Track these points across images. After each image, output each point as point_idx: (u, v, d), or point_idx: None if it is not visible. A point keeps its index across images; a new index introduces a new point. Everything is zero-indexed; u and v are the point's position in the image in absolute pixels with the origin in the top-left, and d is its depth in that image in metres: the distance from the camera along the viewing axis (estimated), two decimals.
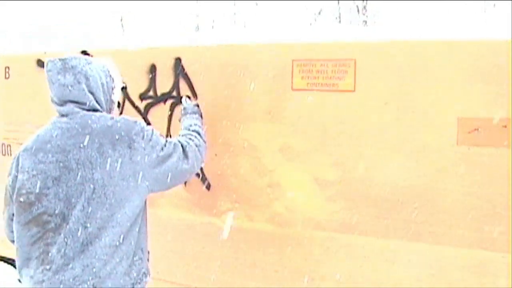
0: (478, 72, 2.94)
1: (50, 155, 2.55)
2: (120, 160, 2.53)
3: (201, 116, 3.39)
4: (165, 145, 2.74)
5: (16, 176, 2.62)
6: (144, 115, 3.91)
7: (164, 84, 3.83)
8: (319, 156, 3.36)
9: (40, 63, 4.47)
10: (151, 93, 3.88)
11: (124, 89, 3.58)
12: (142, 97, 3.92)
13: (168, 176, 2.73)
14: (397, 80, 3.12)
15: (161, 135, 2.77)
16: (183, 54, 3.73)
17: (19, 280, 4.94)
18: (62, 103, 2.65)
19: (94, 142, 2.53)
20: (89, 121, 2.58)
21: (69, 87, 2.61)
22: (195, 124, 3.20)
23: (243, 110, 3.55)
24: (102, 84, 2.73)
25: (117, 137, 2.56)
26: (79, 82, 2.62)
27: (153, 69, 3.84)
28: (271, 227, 3.55)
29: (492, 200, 2.97)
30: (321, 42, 3.35)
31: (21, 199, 2.57)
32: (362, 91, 3.22)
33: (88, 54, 4.15)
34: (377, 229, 3.24)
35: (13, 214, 2.67)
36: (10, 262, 5.10)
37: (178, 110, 3.76)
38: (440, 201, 3.09)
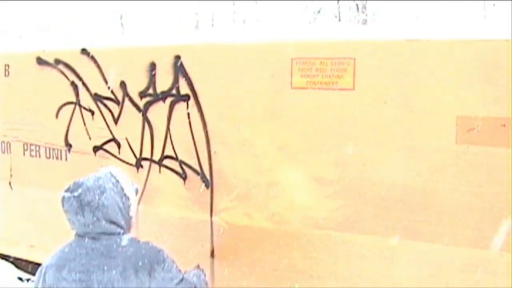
0: (477, 71, 2.94)
1: (73, 274, 2.58)
2: (140, 286, 2.59)
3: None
4: (181, 281, 2.80)
5: None
6: (143, 112, 3.92)
7: (163, 82, 3.83)
8: (318, 154, 3.36)
9: (40, 61, 4.47)
10: (150, 91, 3.89)
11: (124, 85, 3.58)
12: (142, 95, 3.92)
13: None
14: (397, 78, 3.13)
15: (178, 268, 2.81)
16: (183, 52, 3.73)
17: (20, 279, 4.96)
18: (85, 234, 2.67)
19: (118, 266, 2.57)
20: (114, 245, 2.62)
21: (90, 225, 2.63)
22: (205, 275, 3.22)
23: (242, 108, 3.55)
24: (120, 209, 2.72)
25: (140, 263, 2.60)
26: (98, 220, 2.63)
27: (152, 67, 3.84)
28: (270, 225, 3.55)
29: (490, 199, 2.98)
30: (320, 41, 3.36)
31: None
32: (361, 90, 3.22)
33: (88, 53, 4.16)
34: (376, 227, 3.25)
35: None
36: (10, 260, 5.12)
37: (177, 107, 3.77)
38: (439, 200, 3.10)
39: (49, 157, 4.53)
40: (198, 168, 3.76)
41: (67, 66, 4.32)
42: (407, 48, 3.10)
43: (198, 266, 3.32)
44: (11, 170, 4.84)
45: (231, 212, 3.69)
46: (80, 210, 2.62)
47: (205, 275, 3.21)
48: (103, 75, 4.12)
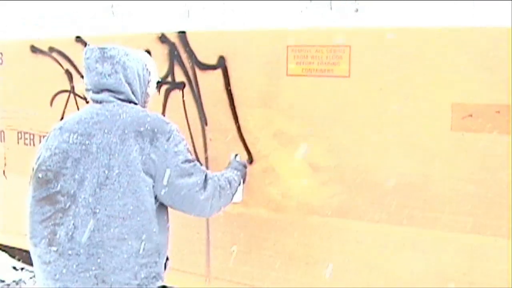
0: (472, 59, 2.96)
1: (75, 136, 2.51)
2: (139, 151, 2.46)
3: (243, 177, 3.25)
4: (189, 161, 2.61)
5: (41, 153, 2.59)
6: None
7: (159, 70, 3.82)
8: (314, 141, 3.37)
9: (34, 49, 4.45)
10: None
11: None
12: None
13: (178, 193, 2.58)
14: (392, 66, 3.14)
15: (190, 152, 2.65)
16: (178, 40, 3.73)
17: (14, 268, 4.95)
18: (98, 91, 2.63)
19: (118, 129, 2.47)
20: (120, 111, 2.54)
21: (107, 76, 2.60)
22: (233, 178, 3.01)
23: (238, 95, 3.55)
24: (139, 76, 2.71)
25: (142, 129, 2.48)
26: (116, 72, 2.61)
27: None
28: (265, 212, 3.57)
29: (485, 186, 3.00)
30: (316, 28, 3.36)
31: (40, 175, 2.53)
32: (356, 77, 3.23)
33: (83, 41, 4.15)
34: (371, 214, 3.27)
35: None
36: (4, 249, 5.11)
37: (172, 95, 3.78)
38: (434, 186, 3.12)
39: None
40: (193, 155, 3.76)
41: (61, 54, 4.31)
42: (402, 36, 3.11)
43: (245, 166, 3.29)
44: (5, 159, 4.83)
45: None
46: (101, 60, 2.61)
47: (238, 176, 3.09)
48: None
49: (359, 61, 3.22)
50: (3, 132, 4.78)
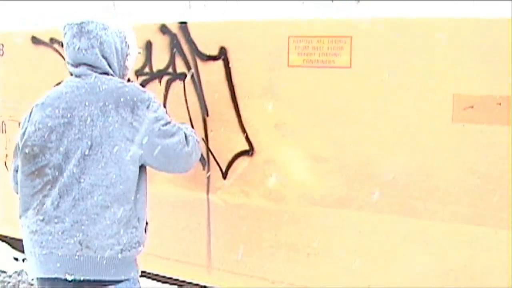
0: (474, 50, 2.95)
1: (57, 111, 2.60)
2: (121, 122, 2.56)
3: None
4: (169, 123, 2.76)
5: (26, 128, 2.69)
6: None
7: (160, 61, 3.83)
8: (315, 132, 3.37)
9: (35, 40, 4.45)
10: (147, 69, 3.89)
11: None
12: (138, 73, 3.91)
13: (164, 154, 2.73)
14: (393, 57, 3.13)
15: (164, 111, 2.78)
16: (179, 31, 3.73)
17: (15, 259, 4.96)
18: (76, 64, 2.72)
19: (98, 101, 2.56)
20: (99, 83, 2.62)
21: (83, 51, 2.68)
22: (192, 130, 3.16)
23: (239, 86, 3.55)
24: (117, 50, 2.78)
25: (122, 99, 2.58)
26: (92, 47, 2.68)
27: (148, 45, 3.84)
28: (266, 202, 3.57)
29: (486, 177, 3.00)
30: (317, 19, 3.35)
31: (26, 151, 2.63)
32: (358, 68, 3.23)
33: None
34: (372, 204, 3.27)
35: (18, 166, 2.75)
36: (5, 239, 5.12)
37: (174, 86, 3.78)
38: (435, 177, 3.11)
39: None
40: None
41: (63, 45, 4.30)
42: (403, 26, 3.10)
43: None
44: (6, 149, 4.83)
45: (227, 190, 3.70)
46: (78, 35, 2.69)
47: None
48: None
49: (360, 52, 3.21)
50: (4, 123, 4.78)
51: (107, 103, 2.56)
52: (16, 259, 5.08)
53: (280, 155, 3.48)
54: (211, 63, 3.64)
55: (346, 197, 3.33)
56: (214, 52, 3.62)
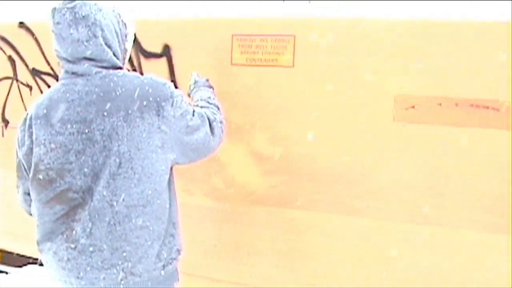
0: (414, 51, 2.99)
1: (69, 125, 2.28)
2: (148, 129, 2.27)
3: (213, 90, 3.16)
4: (193, 115, 2.48)
5: (31, 149, 2.37)
6: None
7: None
8: (258, 131, 3.37)
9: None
10: None
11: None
12: None
13: (193, 149, 2.51)
14: (336, 56, 3.15)
15: (186, 101, 2.50)
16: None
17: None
18: (75, 60, 2.35)
19: (119, 110, 2.25)
20: (112, 84, 2.30)
21: (85, 43, 2.31)
22: (213, 98, 2.91)
23: (182, 84, 3.52)
24: (117, 33, 2.43)
25: (145, 103, 2.27)
26: (95, 36, 2.32)
27: None
28: (209, 201, 3.56)
29: (427, 176, 3.05)
30: (261, 17, 3.35)
31: (40, 177, 2.33)
32: (301, 67, 3.24)
33: (26, 26, 4.06)
34: (315, 203, 3.29)
35: (28, 189, 2.45)
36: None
37: None
38: (377, 176, 3.15)
39: None
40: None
41: (4, 40, 4.21)
42: (346, 26, 3.13)
43: (207, 80, 3.16)
44: None
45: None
46: (74, 23, 2.28)
47: (214, 95, 2.97)
48: (41, 49, 4.03)
49: (303, 51, 3.22)
50: None
51: (129, 111, 2.24)
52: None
53: (224, 154, 3.46)
54: (155, 61, 3.61)
55: (289, 196, 3.34)
56: (158, 49, 3.59)
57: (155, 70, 3.56)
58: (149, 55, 3.61)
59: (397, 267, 3.15)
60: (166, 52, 3.56)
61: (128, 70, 3.53)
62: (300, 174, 3.30)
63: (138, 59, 3.65)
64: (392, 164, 3.11)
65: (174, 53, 3.55)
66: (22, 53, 4.13)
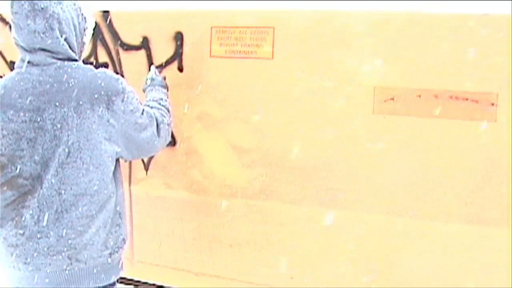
0: (393, 43, 3.00)
1: (22, 113, 2.33)
2: (98, 121, 2.34)
3: (168, 90, 3.20)
4: (142, 113, 2.57)
5: None
6: None
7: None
8: (237, 123, 3.36)
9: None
10: None
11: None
12: None
13: (138, 147, 2.59)
14: (315, 48, 3.15)
15: (137, 99, 2.58)
16: (101, 20, 3.65)
17: None
18: (32, 50, 2.39)
19: (71, 101, 2.30)
20: (65, 75, 2.35)
21: (41, 34, 2.34)
22: (165, 100, 2.97)
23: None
24: (75, 27, 2.46)
25: (96, 96, 2.33)
26: (51, 28, 2.35)
27: None
28: (188, 194, 3.54)
29: (404, 167, 3.06)
30: (240, 9, 3.34)
31: None
32: (280, 59, 3.23)
33: (3, 19, 4.01)
34: (293, 195, 3.28)
35: None
36: None
37: None
38: (355, 168, 3.15)
39: None
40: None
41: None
42: (326, 18, 3.12)
43: (164, 79, 3.22)
44: None
45: (149, 182, 3.65)
46: (32, 14, 2.32)
47: (167, 96, 3.04)
48: None
49: (282, 43, 3.22)
50: None
51: (81, 102, 2.30)
52: None
53: (202, 147, 3.45)
54: (133, 53, 3.58)
55: (268, 188, 3.33)
56: (137, 42, 3.57)
57: (134, 62, 3.56)
58: (128, 47, 3.58)
59: (377, 258, 3.16)
60: (145, 44, 3.53)
61: (107, 63, 3.54)
62: (279, 166, 3.30)
63: (117, 51, 3.62)
64: (371, 156, 3.11)
65: (152, 46, 3.52)
66: None
